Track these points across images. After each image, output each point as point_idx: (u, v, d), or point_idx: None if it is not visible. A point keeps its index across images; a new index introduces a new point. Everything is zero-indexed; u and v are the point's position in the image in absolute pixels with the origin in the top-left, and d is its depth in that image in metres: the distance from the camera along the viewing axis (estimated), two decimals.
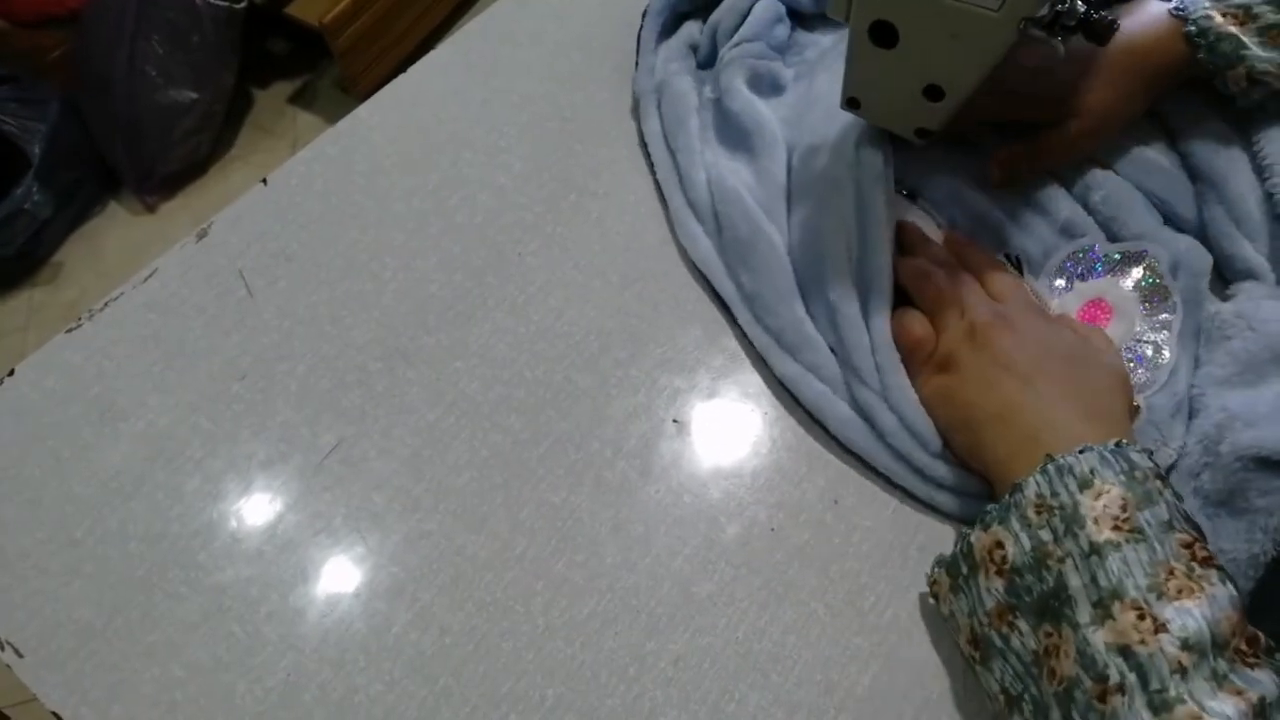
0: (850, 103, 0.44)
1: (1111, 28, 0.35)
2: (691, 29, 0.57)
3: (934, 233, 0.48)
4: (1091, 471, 0.33)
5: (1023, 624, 0.33)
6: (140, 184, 1.60)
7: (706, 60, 0.56)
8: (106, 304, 0.50)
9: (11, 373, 0.48)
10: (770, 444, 0.44)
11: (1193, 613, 0.29)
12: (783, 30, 0.55)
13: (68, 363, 0.48)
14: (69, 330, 0.49)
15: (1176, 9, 0.44)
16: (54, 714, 0.39)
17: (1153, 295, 0.44)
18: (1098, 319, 0.45)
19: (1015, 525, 0.34)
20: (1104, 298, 0.45)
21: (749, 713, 0.38)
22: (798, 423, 0.45)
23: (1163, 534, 0.31)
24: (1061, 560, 0.32)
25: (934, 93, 0.40)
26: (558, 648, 0.39)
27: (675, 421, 0.45)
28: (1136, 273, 0.45)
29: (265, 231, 0.52)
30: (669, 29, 0.57)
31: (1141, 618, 0.29)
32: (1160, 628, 0.29)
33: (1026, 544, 0.33)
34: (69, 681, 0.39)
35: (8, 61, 1.51)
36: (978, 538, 0.35)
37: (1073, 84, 0.45)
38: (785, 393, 0.45)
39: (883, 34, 0.38)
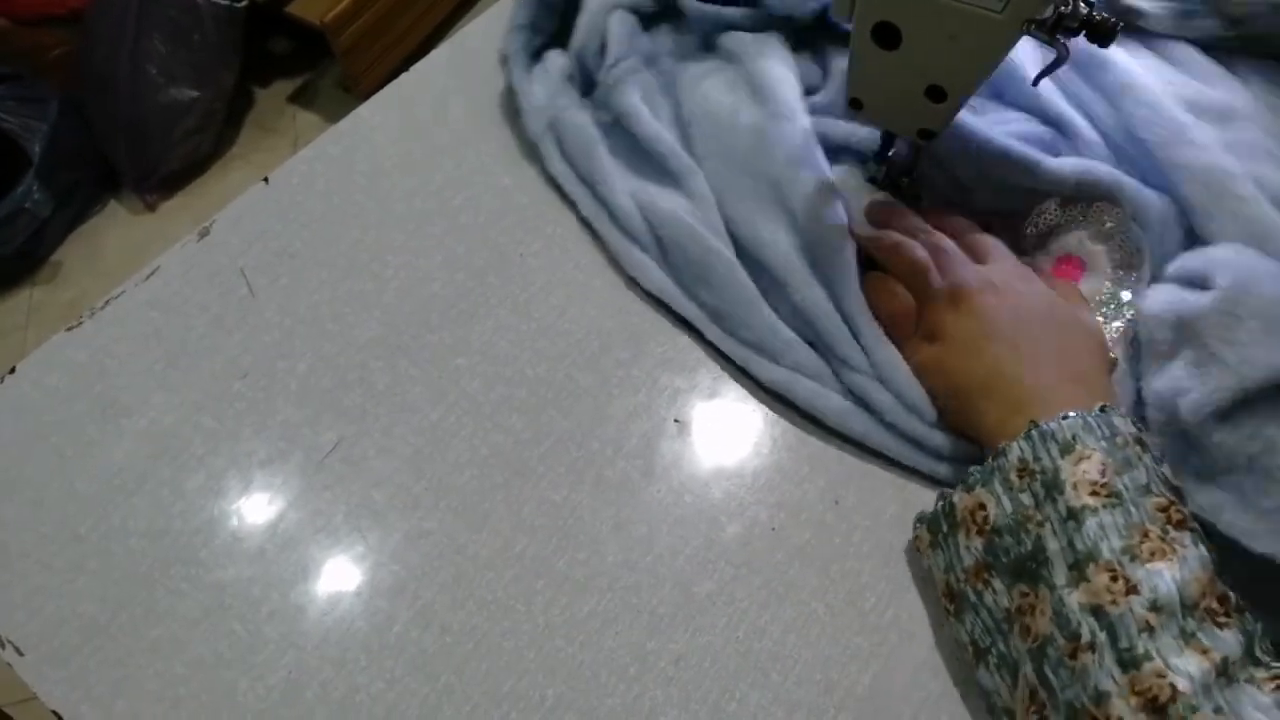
0: (853, 103, 0.44)
1: (1115, 28, 0.35)
2: (558, 60, 0.55)
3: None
4: (1074, 437, 0.34)
5: (997, 583, 0.35)
6: (141, 183, 1.60)
7: (584, 88, 0.55)
8: (108, 302, 0.50)
9: (13, 370, 0.48)
10: (771, 444, 0.44)
11: (1163, 574, 0.30)
12: (644, 42, 0.54)
13: (70, 361, 0.48)
14: (70, 328, 0.49)
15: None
16: (54, 712, 0.39)
17: (1122, 250, 0.45)
18: (1070, 275, 0.45)
19: (998, 488, 0.35)
20: (1075, 254, 0.45)
21: (749, 712, 0.38)
22: (798, 423, 0.45)
23: (1139, 498, 0.32)
24: (1041, 524, 0.33)
25: (936, 94, 0.40)
26: (558, 646, 0.39)
27: (676, 421, 0.45)
28: (1106, 228, 0.45)
29: (267, 230, 0.52)
30: (532, 64, 0.56)
31: (1114, 579, 0.31)
32: (1131, 589, 0.30)
33: (1008, 506, 0.34)
34: (70, 679, 0.39)
35: (9, 60, 1.51)
36: (960, 498, 0.37)
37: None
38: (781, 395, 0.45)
39: (885, 35, 0.38)
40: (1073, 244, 0.45)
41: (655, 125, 0.51)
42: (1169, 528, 0.32)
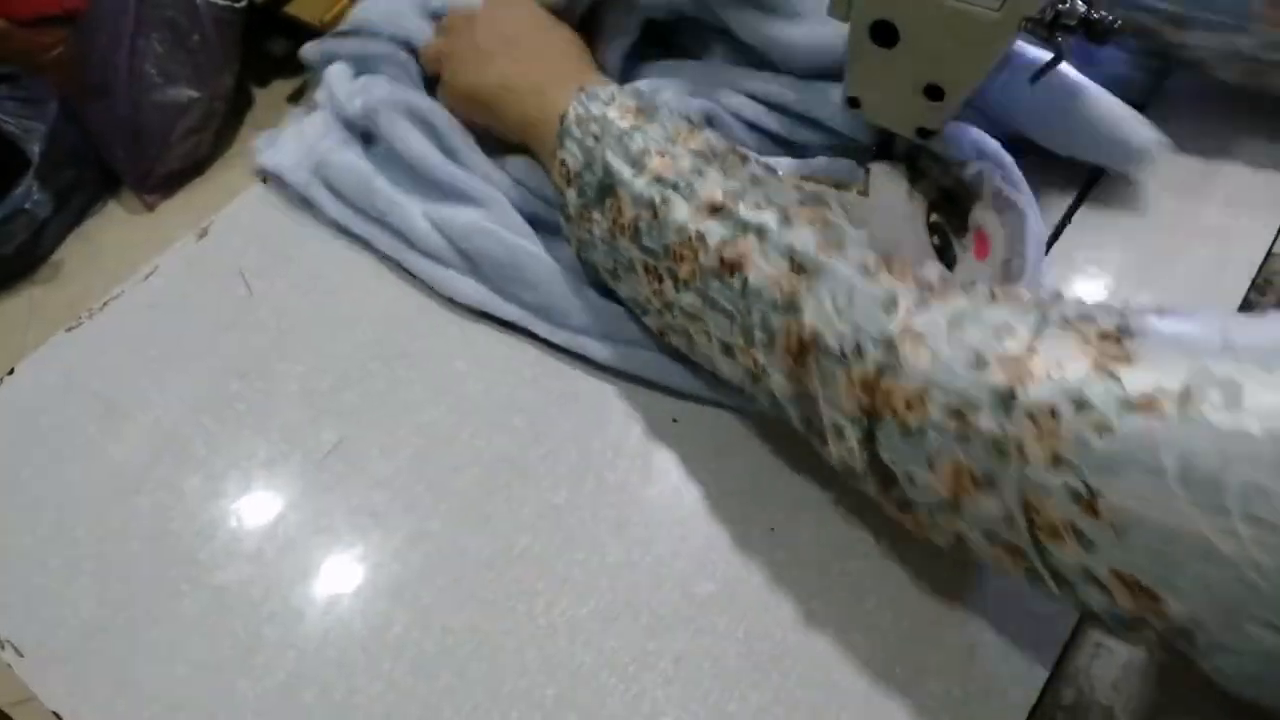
0: (851, 102, 0.44)
1: (1112, 27, 0.35)
2: (313, 117, 0.58)
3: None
4: (611, 95, 0.42)
5: (594, 214, 0.41)
6: (140, 183, 1.59)
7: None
8: (107, 303, 0.50)
9: (12, 371, 0.48)
10: (772, 443, 0.44)
11: (696, 141, 0.40)
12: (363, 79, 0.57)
13: (69, 361, 0.48)
14: (70, 329, 0.49)
15: None
16: (54, 713, 0.39)
17: (1005, 210, 0.44)
18: (981, 251, 0.44)
19: (568, 143, 0.42)
20: (983, 228, 0.44)
21: (750, 712, 0.38)
22: (797, 420, 0.45)
23: (667, 119, 0.41)
24: (602, 152, 0.40)
25: (934, 92, 0.40)
26: (559, 647, 0.39)
27: (675, 420, 0.45)
28: (988, 194, 0.44)
29: (265, 230, 0.52)
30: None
31: (663, 155, 0.39)
32: (675, 156, 0.39)
33: (577, 153, 0.41)
34: (69, 680, 0.39)
35: (7, 60, 1.51)
36: (551, 163, 0.44)
37: None
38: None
39: (883, 33, 0.38)
40: (979, 219, 0.44)
41: (417, 141, 0.50)
42: (694, 130, 0.40)
